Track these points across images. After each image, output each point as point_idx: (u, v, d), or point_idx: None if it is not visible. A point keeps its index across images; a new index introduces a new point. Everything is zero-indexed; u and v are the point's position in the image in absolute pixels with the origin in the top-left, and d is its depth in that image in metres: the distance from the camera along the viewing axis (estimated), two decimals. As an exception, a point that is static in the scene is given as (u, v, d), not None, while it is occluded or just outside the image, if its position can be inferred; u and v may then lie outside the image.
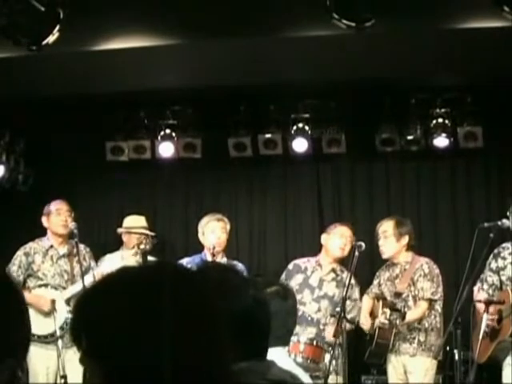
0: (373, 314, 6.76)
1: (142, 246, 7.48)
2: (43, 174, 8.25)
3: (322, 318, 6.82)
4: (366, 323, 6.70)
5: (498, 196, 7.82)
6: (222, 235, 7.01)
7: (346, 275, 6.92)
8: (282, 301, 3.17)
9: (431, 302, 6.61)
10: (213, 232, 6.99)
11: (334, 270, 7.01)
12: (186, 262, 6.98)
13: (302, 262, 7.16)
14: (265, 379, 2.23)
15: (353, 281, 6.69)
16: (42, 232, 7.23)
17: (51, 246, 7.11)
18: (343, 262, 7.06)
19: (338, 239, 6.98)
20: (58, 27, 5.32)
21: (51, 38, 5.35)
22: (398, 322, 6.53)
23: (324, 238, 7.08)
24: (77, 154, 8.27)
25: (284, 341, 3.30)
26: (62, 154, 8.28)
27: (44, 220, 7.14)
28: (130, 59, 6.41)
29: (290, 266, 7.14)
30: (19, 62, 6.16)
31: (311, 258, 7.15)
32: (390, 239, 6.81)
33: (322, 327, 6.77)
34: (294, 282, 6.94)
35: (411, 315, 6.59)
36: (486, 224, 5.82)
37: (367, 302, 6.92)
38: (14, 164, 8.09)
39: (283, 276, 7.06)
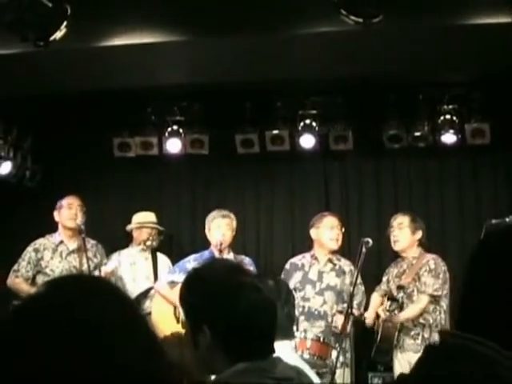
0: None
1: (148, 243, 7.49)
2: (50, 170, 8.27)
3: (329, 310, 6.84)
4: (369, 317, 6.73)
5: (506, 193, 7.80)
6: (227, 232, 7.00)
7: (343, 262, 7.02)
8: (276, 295, 3.17)
9: (434, 298, 6.62)
10: (218, 228, 6.98)
11: (330, 261, 7.02)
12: (193, 257, 6.98)
13: (297, 259, 7.17)
14: (271, 378, 2.22)
15: (351, 267, 6.75)
16: (48, 228, 7.25)
17: (61, 242, 7.14)
18: (350, 257, 7.06)
19: (329, 232, 6.99)
20: (65, 23, 5.32)
21: (58, 34, 5.34)
22: (396, 312, 6.58)
23: (314, 232, 7.06)
24: (84, 151, 8.28)
25: (288, 333, 3.31)
26: (69, 150, 8.29)
27: (56, 214, 7.18)
28: (137, 55, 6.41)
29: (287, 266, 7.15)
30: (26, 59, 6.16)
31: (306, 254, 7.16)
32: (405, 231, 6.86)
33: (330, 319, 6.78)
34: (294, 281, 6.95)
35: (411, 310, 6.61)
36: (493, 221, 5.80)
37: (376, 299, 6.94)
38: (22, 160, 8.10)
39: (282, 276, 7.05)
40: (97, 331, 1.21)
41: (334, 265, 7.02)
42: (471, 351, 1.34)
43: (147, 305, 7.09)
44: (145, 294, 7.18)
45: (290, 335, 3.37)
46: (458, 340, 1.39)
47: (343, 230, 7.07)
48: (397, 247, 6.93)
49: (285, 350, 2.78)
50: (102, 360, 1.19)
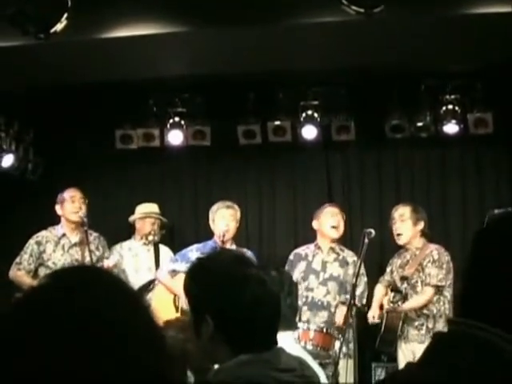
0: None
1: (150, 238, 7.49)
2: (52, 162, 8.26)
3: (332, 301, 6.85)
4: (372, 315, 6.71)
5: (508, 183, 7.79)
6: (231, 223, 7.00)
7: (346, 253, 7.05)
8: (279, 286, 3.16)
9: (438, 288, 6.61)
10: (222, 219, 6.98)
11: (333, 250, 7.04)
12: (196, 247, 6.98)
13: (301, 249, 7.21)
14: (274, 369, 2.22)
15: (355, 258, 6.75)
16: (51, 221, 7.25)
17: (64, 235, 7.13)
18: (353, 249, 7.07)
19: (329, 219, 7.02)
20: (65, 15, 5.31)
21: (59, 27, 5.33)
22: (400, 303, 6.58)
23: (315, 223, 7.12)
24: (86, 143, 8.28)
25: (291, 324, 3.31)
26: (71, 142, 8.29)
27: (58, 208, 7.15)
28: (139, 47, 6.40)
29: (291, 256, 7.18)
30: (27, 51, 6.15)
31: (309, 245, 7.18)
32: (407, 223, 6.83)
33: (333, 310, 6.79)
34: (298, 271, 6.98)
35: (416, 300, 6.61)
36: (496, 211, 5.79)
37: (380, 290, 6.93)
38: (23, 153, 8.09)
39: (286, 268, 7.06)
40: (98, 326, 1.20)
41: (338, 255, 7.04)
42: (475, 338, 1.34)
43: (149, 296, 7.10)
44: (147, 286, 7.19)
45: (292, 326, 3.38)
46: (461, 327, 1.38)
47: (344, 217, 7.10)
48: (400, 241, 6.91)
49: (287, 341, 2.78)
50: (102, 358, 1.18)
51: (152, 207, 7.70)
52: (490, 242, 1.47)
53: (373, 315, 6.72)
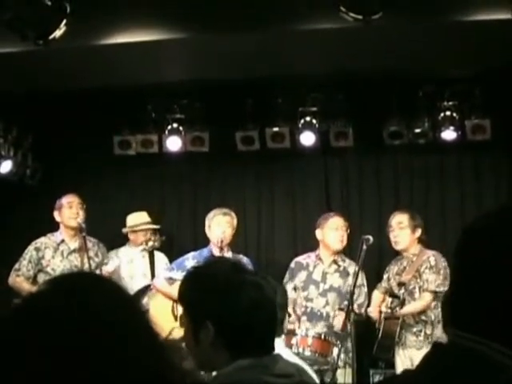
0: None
1: (150, 243, 7.46)
2: (51, 168, 8.26)
3: (331, 312, 6.82)
4: (374, 311, 6.71)
5: (507, 188, 7.79)
6: (227, 229, 6.99)
7: (347, 263, 7.00)
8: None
9: (436, 294, 6.60)
10: (219, 225, 6.97)
11: (335, 262, 7.01)
12: (192, 256, 6.98)
13: (302, 258, 7.16)
14: (272, 374, 2.23)
15: (356, 267, 6.73)
16: (50, 226, 7.24)
17: (62, 241, 7.11)
18: (351, 256, 7.06)
19: (334, 233, 6.97)
20: (64, 21, 5.32)
21: (58, 33, 5.35)
22: (397, 309, 6.57)
23: (319, 233, 7.04)
24: (84, 149, 8.27)
25: (279, 331, 3.32)
26: (69, 148, 8.29)
27: (56, 214, 7.13)
28: (138, 53, 6.41)
29: (292, 265, 7.14)
30: (27, 57, 6.16)
31: (311, 254, 7.14)
32: (405, 230, 6.83)
33: (331, 320, 6.77)
34: (299, 280, 6.96)
35: (413, 305, 6.61)
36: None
37: (377, 296, 6.92)
38: (22, 158, 8.09)
39: (287, 275, 7.05)
40: (97, 330, 1.21)
41: (339, 266, 7.00)
42: (480, 355, 1.31)
43: (146, 301, 7.09)
44: (143, 291, 7.18)
45: (280, 333, 3.40)
46: (464, 341, 1.35)
47: (348, 231, 7.05)
48: (398, 247, 6.91)
49: (277, 347, 2.79)
50: (102, 360, 1.18)
51: (141, 216, 7.66)
52: (480, 242, 1.39)
53: (372, 311, 6.71)
